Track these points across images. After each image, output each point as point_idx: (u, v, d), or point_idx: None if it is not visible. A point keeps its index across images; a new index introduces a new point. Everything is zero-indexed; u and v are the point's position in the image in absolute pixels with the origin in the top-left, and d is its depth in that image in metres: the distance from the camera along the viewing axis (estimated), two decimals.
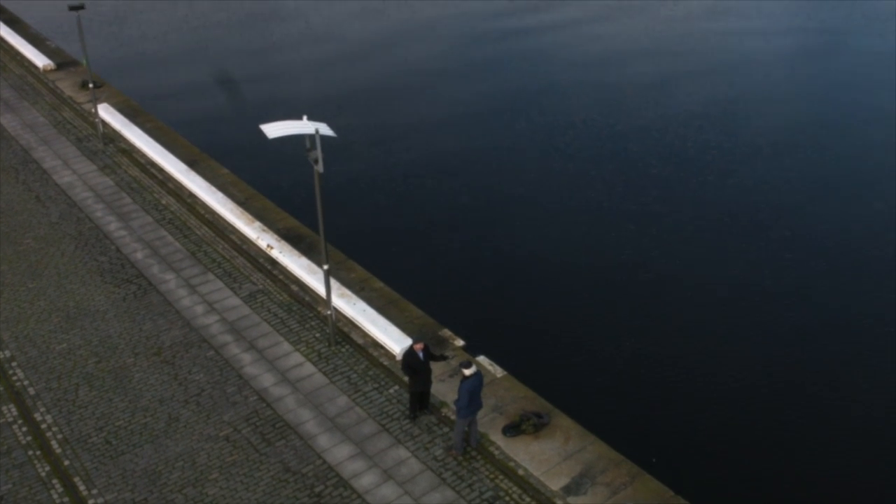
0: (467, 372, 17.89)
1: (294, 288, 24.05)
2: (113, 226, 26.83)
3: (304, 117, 19.20)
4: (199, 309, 23.18)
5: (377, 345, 21.85)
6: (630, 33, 42.87)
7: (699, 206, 30.08)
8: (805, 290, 25.68)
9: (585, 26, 44.53)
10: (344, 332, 22.29)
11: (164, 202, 28.16)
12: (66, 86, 36.44)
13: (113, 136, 32.15)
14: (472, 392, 17.98)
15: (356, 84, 39.72)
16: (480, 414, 19.08)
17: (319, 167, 19.24)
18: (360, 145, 34.64)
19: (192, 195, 28.45)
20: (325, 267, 20.89)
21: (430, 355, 19.02)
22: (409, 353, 18.88)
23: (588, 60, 40.22)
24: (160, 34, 46.06)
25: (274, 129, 19.12)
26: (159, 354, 21.54)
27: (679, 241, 28.26)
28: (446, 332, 22.19)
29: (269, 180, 31.42)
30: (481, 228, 29.74)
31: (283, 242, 25.67)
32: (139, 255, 25.39)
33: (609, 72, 38.94)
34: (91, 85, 31.07)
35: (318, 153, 19.00)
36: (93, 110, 31.96)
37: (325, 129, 19.02)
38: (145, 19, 47.12)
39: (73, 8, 28.96)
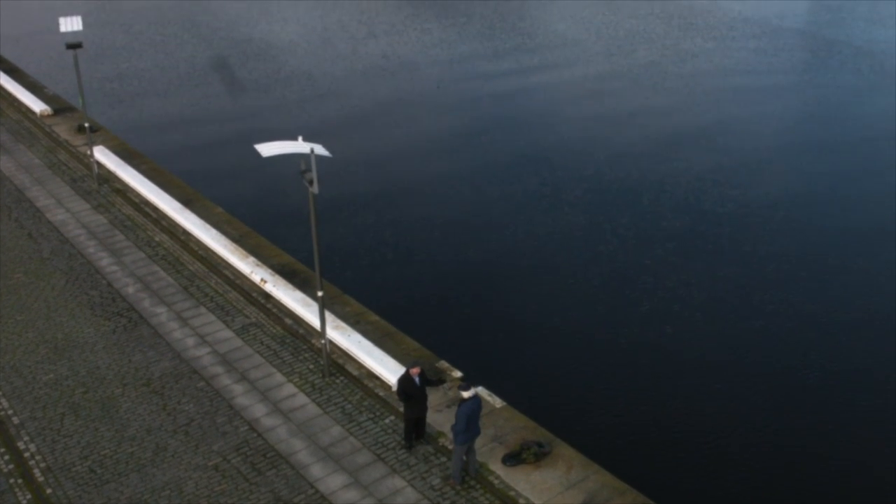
0: (465, 394, 17.34)
1: (288, 321, 23.55)
2: (105, 261, 26.41)
3: (300, 138, 18.96)
4: (191, 341, 22.65)
5: (372, 376, 21.28)
6: (639, 91, 42.92)
7: (702, 252, 29.79)
8: (806, 342, 25.19)
9: (593, 82, 44.67)
10: (338, 364, 21.73)
11: (157, 239, 27.79)
12: (63, 130, 36.35)
13: (108, 177, 31.92)
14: (471, 416, 17.40)
15: (351, 121, 39.74)
16: (479, 443, 18.48)
17: (314, 188, 18.92)
18: (354, 181, 34.64)
19: (185, 232, 28.09)
20: (320, 293, 20.45)
21: (426, 380, 18.49)
22: (405, 377, 18.33)
23: (596, 116, 40.16)
24: (157, 79, 46.16)
25: (268, 149, 18.87)
26: (148, 385, 20.94)
27: (675, 273, 27.88)
28: (443, 364, 21.65)
29: (264, 219, 31.14)
30: (477, 261, 29.52)
31: (277, 277, 25.24)
32: (130, 290, 24.93)
33: (616, 128, 38.82)
34: (87, 125, 30.89)
35: (314, 174, 18.72)
36: (88, 152, 31.76)
37: (320, 150, 18.76)
38: (142, 65, 47.21)
39: (70, 46, 28.91)
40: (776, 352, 24.22)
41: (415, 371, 18.24)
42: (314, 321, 22.92)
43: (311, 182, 18.94)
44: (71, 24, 29.12)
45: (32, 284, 25.19)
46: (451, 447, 18.47)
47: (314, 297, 23.54)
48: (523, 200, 32.56)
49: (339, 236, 30.66)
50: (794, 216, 30.89)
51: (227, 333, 22.99)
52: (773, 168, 34.86)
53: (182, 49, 49.86)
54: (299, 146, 18.62)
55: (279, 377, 21.29)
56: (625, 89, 42.97)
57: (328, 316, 22.10)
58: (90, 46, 50.39)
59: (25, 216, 29.21)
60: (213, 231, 27.69)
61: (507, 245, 30.61)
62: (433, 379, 19.22)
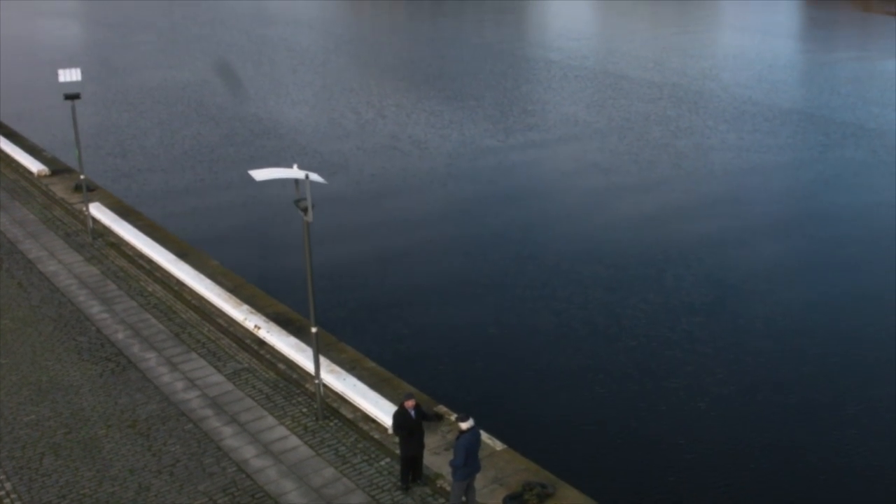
0: (464, 425, 16.55)
1: (281, 366, 22.80)
2: (95, 309, 25.77)
3: (295, 165, 18.60)
4: (180, 385, 21.87)
5: (368, 419, 20.46)
6: (652, 168, 42.63)
7: (707, 308, 29.24)
8: (819, 410, 24.40)
9: (605, 160, 44.45)
10: (332, 408, 20.92)
11: (149, 289, 27.21)
12: (59, 189, 36.11)
13: (102, 232, 31.49)
14: (470, 449, 16.57)
15: (355, 189, 39.40)
16: (479, 484, 17.60)
17: (309, 217, 18.48)
18: (350, 228, 34.34)
19: (179, 283, 27.52)
20: (314, 329, 19.80)
21: (422, 414, 17.69)
22: (400, 411, 17.57)
23: (607, 190, 39.63)
24: (161, 150, 46.07)
25: (262, 174, 18.48)
26: (133, 427, 20.10)
27: (679, 317, 27.22)
28: (441, 409, 20.83)
29: (260, 271, 30.64)
30: (474, 305, 29.05)
31: (271, 323, 24.58)
32: (120, 336, 24.23)
33: (628, 203, 38.27)
34: (82, 177, 30.64)
35: (308, 202, 18.31)
36: (84, 208, 31.42)
37: (315, 177, 18.39)
38: (148, 142, 47.18)
39: (68, 97, 28.88)
40: (785, 407, 23.39)
41: (409, 404, 17.47)
42: (308, 366, 22.20)
43: (305, 210, 18.51)
44: (70, 76, 29.12)
45: (19, 330, 24.50)
46: (448, 488, 17.57)
47: (308, 343, 22.91)
48: (521, 262, 32.08)
49: (336, 286, 30.10)
50: (799, 287, 30.18)
51: (218, 378, 22.22)
52: (785, 239, 34.33)
53: (188, 126, 49.91)
54: (293, 172, 18.24)
55: (270, 420, 20.46)
56: (638, 166, 42.61)
57: (323, 361, 21.37)
58: (92, 111, 50.73)
59: (16, 267, 28.68)
60: (208, 281, 27.13)
61: (505, 291, 30.19)
62: (429, 413, 18.42)
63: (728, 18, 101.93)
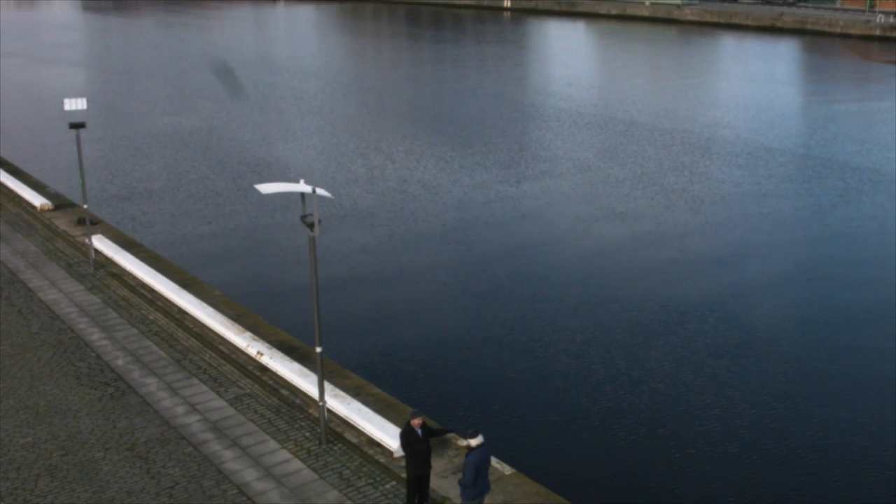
0: (473, 442, 16.07)
1: (284, 392, 22.30)
2: (95, 336, 25.34)
3: (301, 181, 18.33)
4: (180, 409, 21.37)
5: (373, 443, 19.93)
6: (670, 213, 41.76)
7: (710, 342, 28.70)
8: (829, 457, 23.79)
9: (621, 206, 43.79)
10: (337, 433, 20.40)
11: (151, 317, 26.79)
12: (62, 222, 35.85)
13: (104, 263, 31.16)
14: (479, 467, 16.06)
15: (361, 221, 39.01)
16: None
17: (315, 232, 18.16)
18: (358, 268, 33.61)
19: (181, 311, 27.11)
20: (319, 349, 19.36)
21: (429, 431, 17.17)
22: (406, 430, 17.06)
23: (623, 236, 38.60)
24: (160, 180, 45.95)
25: (268, 188, 18.20)
26: (132, 450, 19.57)
27: (690, 343, 26.69)
28: (450, 434, 20.27)
29: (263, 301, 30.20)
30: (482, 333, 28.68)
31: (274, 350, 24.12)
32: (120, 362, 23.77)
33: (629, 246, 37.33)
34: (85, 206, 30.41)
35: (315, 217, 18.01)
36: (86, 240, 31.14)
37: (321, 192, 18.10)
38: (155, 185, 46.99)
39: (73, 126, 28.74)
40: (821, 456, 22.69)
41: (416, 422, 16.98)
42: (312, 391, 21.71)
43: (311, 226, 18.20)
44: (75, 105, 29.04)
45: (18, 356, 24.05)
46: None
47: (312, 369, 22.46)
48: (536, 304, 31.07)
49: (340, 313, 29.68)
50: (825, 332, 29.29)
51: (220, 403, 21.73)
52: (810, 284, 33.45)
53: (195, 169, 49.45)
54: (299, 186, 17.97)
55: (272, 444, 19.94)
56: (654, 211, 41.42)
57: (327, 385, 20.86)
58: (98, 154, 50.69)
59: (17, 295, 28.30)
60: (210, 309, 26.72)
61: (512, 315, 29.91)
62: (437, 429, 17.87)
63: (729, 66, 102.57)
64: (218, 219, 40.37)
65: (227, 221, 40.22)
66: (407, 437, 16.99)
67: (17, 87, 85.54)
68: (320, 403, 19.68)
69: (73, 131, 28.88)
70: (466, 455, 16.18)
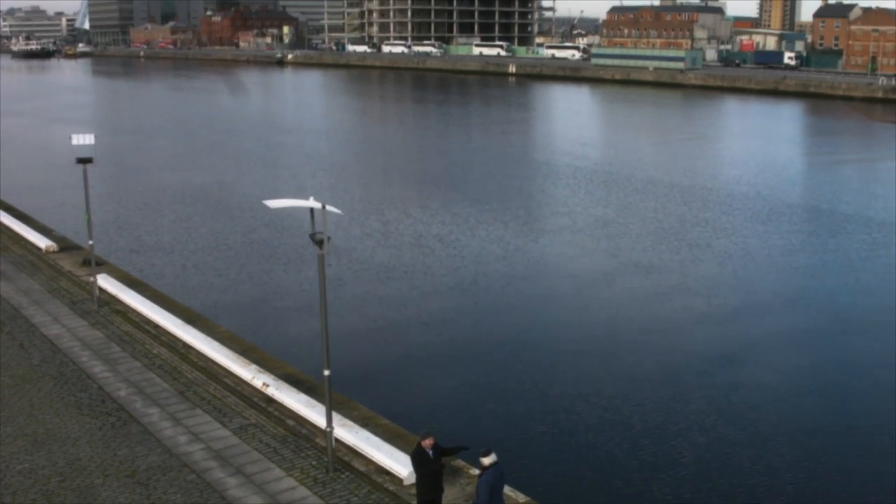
0: (486, 461, 15.43)
1: (290, 422, 21.66)
2: (97, 368, 24.77)
3: (311, 198, 17.99)
4: (183, 438, 20.72)
5: (382, 471, 19.22)
6: (677, 266, 41.03)
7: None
8: None
9: (646, 263, 43.02)
10: (344, 461, 19.71)
11: (155, 351, 26.24)
12: (67, 263, 35.50)
13: (109, 301, 30.70)
14: (494, 486, 15.39)
15: (366, 269, 38.51)
16: None
17: (324, 250, 17.76)
18: (371, 317, 33.00)
19: (186, 346, 26.57)
20: (326, 373, 18.79)
21: (441, 451, 16.52)
22: (417, 451, 16.43)
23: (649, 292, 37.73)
24: (169, 234, 45.64)
25: (277, 203, 17.86)
26: (133, 476, 18.89)
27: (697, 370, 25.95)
28: (460, 463, 19.61)
29: (269, 338, 29.66)
30: (503, 377, 27.95)
31: (280, 382, 23.53)
32: (122, 393, 23.17)
33: (656, 300, 35.84)
34: (90, 242, 30.08)
35: (325, 234, 17.62)
36: (90, 278, 30.75)
37: (331, 209, 17.76)
38: (164, 238, 46.73)
39: (80, 160, 28.59)
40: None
41: (427, 442, 16.35)
42: (319, 420, 21.06)
43: (320, 243, 17.81)
44: (83, 140, 28.92)
45: (17, 386, 23.48)
46: None
47: (319, 400, 21.86)
48: (561, 357, 29.81)
49: (354, 359, 29.04)
50: (864, 389, 28.17)
51: (224, 433, 21.08)
52: (848, 338, 32.27)
53: (205, 224, 48.82)
54: (308, 203, 17.62)
55: (278, 472, 19.26)
56: (681, 266, 39.95)
57: (335, 416, 20.18)
58: (108, 208, 50.52)
59: (18, 330, 27.81)
60: (215, 343, 26.20)
61: (536, 364, 29.07)
62: (449, 448, 17.15)
63: (738, 126, 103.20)
64: (229, 270, 39.44)
65: (238, 271, 39.37)
66: (418, 458, 16.36)
67: (27, 143, 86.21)
68: (327, 429, 19.05)
69: (81, 167, 28.72)
70: (479, 476, 15.53)
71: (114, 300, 30.78)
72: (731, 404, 26.24)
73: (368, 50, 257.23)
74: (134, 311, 29.67)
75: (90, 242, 30.46)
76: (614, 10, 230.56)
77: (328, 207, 17.65)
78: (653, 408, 25.83)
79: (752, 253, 43.24)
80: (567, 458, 22.91)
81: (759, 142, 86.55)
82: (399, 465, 18.97)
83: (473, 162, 72.55)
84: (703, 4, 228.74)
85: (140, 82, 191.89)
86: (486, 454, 15.48)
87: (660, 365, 29.18)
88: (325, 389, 18.94)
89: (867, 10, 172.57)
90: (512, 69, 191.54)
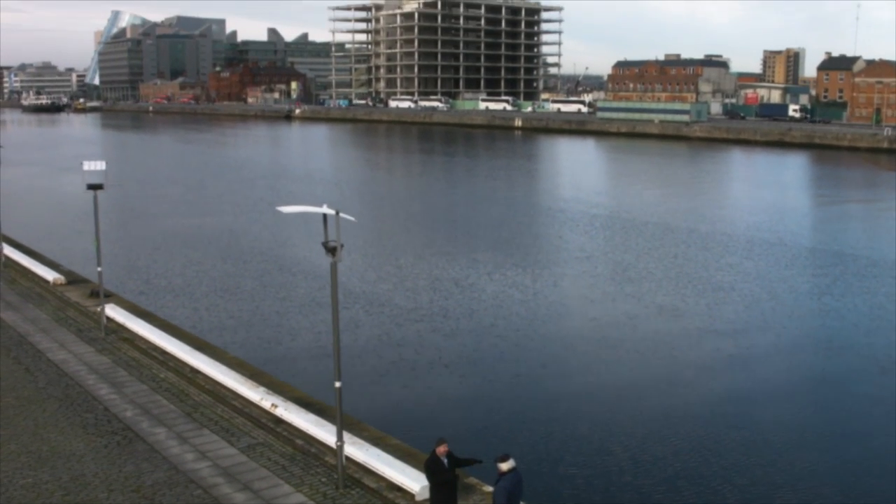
0: (504, 466, 15.01)
1: (299, 442, 21.21)
2: (104, 391, 24.41)
3: (324, 205, 17.82)
4: (189, 456, 20.30)
5: (393, 487, 18.75)
6: (703, 310, 39.81)
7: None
8: None
9: (667, 302, 42.45)
10: (355, 478, 19.24)
11: (162, 375, 25.89)
12: (74, 295, 35.29)
13: (116, 329, 30.41)
14: (512, 493, 14.93)
15: (381, 310, 37.98)
16: None
17: (337, 257, 17.54)
18: (387, 360, 32.51)
19: (193, 370, 26.21)
20: (338, 384, 18.44)
21: (455, 460, 16.09)
22: (432, 458, 16.02)
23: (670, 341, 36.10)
24: (180, 277, 45.22)
25: (290, 209, 17.68)
26: (138, 491, 18.45)
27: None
28: (472, 480, 19.14)
29: (277, 366, 29.25)
30: (499, 376, 28.26)
31: (289, 403, 23.14)
32: (128, 414, 22.79)
33: (685, 342, 34.91)
34: (99, 269, 29.90)
35: (338, 242, 17.41)
36: (98, 308, 30.51)
37: (345, 216, 17.57)
38: (166, 263, 46.56)
39: (91, 187, 28.56)
40: None
41: (441, 450, 15.96)
42: (328, 439, 20.68)
43: (333, 251, 17.60)
44: (94, 166, 28.94)
45: (22, 407, 23.11)
46: None
47: (329, 420, 21.46)
48: (582, 396, 29.24)
49: (355, 365, 28.62)
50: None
51: (231, 451, 20.65)
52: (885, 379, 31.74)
53: (215, 267, 48.01)
54: (321, 209, 17.45)
55: (286, 488, 18.80)
56: (708, 309, 39.40)
57: (345, 435, 19.74)
58: (118, 252, 50.39)
59: (25, 355, 27.50)
60: (223, 367, 25.85)
61: (560, 403, 28.29)
62: (463, 459, 16.71)
63: (747, 176, 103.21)
64: (241, 312, 38.53)
65: (251, 313, 38.40)
66: (432, 467, 15.95)
67: (36, 189, 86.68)
68: (338, 444, 18.63)
69: (91, 193, 28.70)
70: (497, 481, 15.08)
71: (121, 328, 30.49)
72: (769, 444, 25.26)
73: (369, 103, 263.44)
74: (141, 338, 29.36)
75: (99, 269, 30.28)
76: (619, 65, 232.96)
77: (342, 215, 17.45)
78: (685, 448, 24.81)
79: (780, 296, 42.23)
80: (583, 470, 22.33)
81: (772, 190, 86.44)
82: (411, 480, 18.53)
83: (485, 210, 72.18)
84: (707, 59, 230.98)
85: (148, 135, 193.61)
86: (504, 459, 15.07)
87: (691, 406, 28.07)
88: (337, 401, 18.57)
89: (871, 63, 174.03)
90: (518, 123, 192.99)
